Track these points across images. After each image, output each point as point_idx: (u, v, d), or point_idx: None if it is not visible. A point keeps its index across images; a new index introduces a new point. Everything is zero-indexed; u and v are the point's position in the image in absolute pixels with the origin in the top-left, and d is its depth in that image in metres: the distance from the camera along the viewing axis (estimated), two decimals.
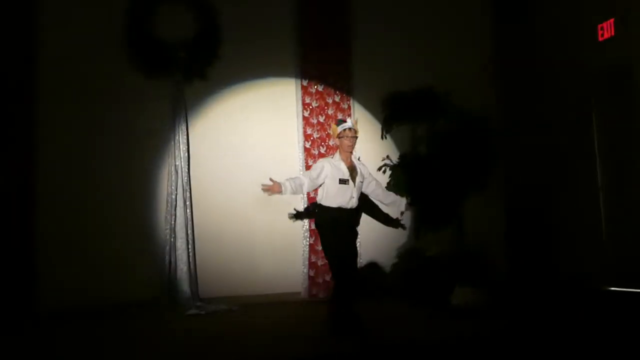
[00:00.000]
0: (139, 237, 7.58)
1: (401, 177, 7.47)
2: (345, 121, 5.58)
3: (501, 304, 6.49)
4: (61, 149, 7.46)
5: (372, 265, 8.05)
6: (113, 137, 7.62)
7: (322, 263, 7.90)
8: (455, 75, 8.06)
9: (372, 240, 8.06)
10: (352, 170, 5.52)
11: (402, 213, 6.04)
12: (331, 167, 5.44)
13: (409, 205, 6.04)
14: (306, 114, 8.20)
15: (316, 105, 8.22)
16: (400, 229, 6.34)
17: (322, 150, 8.14)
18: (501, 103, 8.43)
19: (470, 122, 7.29)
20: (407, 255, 7.35)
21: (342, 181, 5.40)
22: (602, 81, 7.32)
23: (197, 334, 5.81)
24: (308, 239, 7.98)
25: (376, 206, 6.10)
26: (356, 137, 5.55)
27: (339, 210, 5.40)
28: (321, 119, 8.22)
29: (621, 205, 7.19)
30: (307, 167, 7.99)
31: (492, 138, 7.30)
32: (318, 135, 8.18)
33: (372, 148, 8.11)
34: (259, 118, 8.20)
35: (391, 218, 6.32)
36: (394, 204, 5.89)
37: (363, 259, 8.05)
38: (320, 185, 5.49)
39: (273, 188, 5.24)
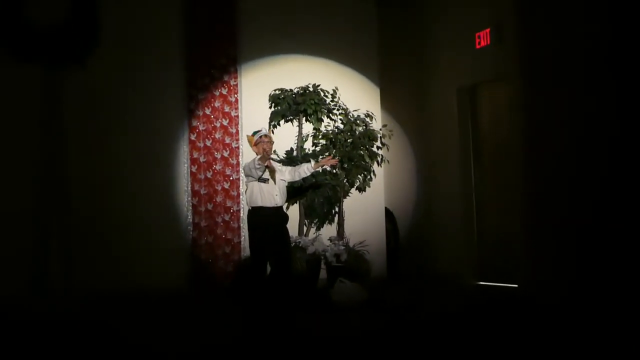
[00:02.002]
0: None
1: None
2: (259, 131, 6.00)
3: (380, 300, 6.72)
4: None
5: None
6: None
7: (205, 257, 7.85)
8: (341, 75, 8.25)
9: None
10: (272, 171, 5.91)
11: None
12: (253, 168, 5.76)
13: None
14: (192, 106, 8.04)
15: (202, 97, 8.08)
16: None
17: (208, 143, 8.03)
18: (384, 104, 8.70)
19: (355, 121, 7.50)
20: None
21: (262, 180, 5.77)
22: (479, 81, 7.74)
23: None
24: (192, 232, 7.90)
25: None
26: (272, 142, 6.01)
27: (264, 209, 5.78)
28: (207, 112, 8.08)
29: (492, 205, 7.69)
30: (192, 160, 7.91)
31: (374, 138, 7.54)
32: (204, 128, 8.05)
33: None
34: (141, 106, 7.93)
35: None
36: (299, 174, 6.21)
37: (247, 253, 8.07)
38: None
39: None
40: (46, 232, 7.23)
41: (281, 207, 5.97)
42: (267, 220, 5.80)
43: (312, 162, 6.42)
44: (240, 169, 6.42)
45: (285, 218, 6.03)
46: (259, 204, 5.79)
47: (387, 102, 8.79)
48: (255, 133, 6.03)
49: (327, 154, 7.41)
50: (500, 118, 7.47)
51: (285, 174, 6.07)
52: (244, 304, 5.78)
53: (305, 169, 6.19)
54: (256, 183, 5.78)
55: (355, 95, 8.23)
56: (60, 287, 7.14)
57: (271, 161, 6.00)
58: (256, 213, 5.84)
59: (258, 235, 5.83)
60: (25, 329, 5.68)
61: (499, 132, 7.48)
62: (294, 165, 6.54)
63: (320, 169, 6.65)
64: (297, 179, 6.27)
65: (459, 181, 7.91)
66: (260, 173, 5.72)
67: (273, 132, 7.75)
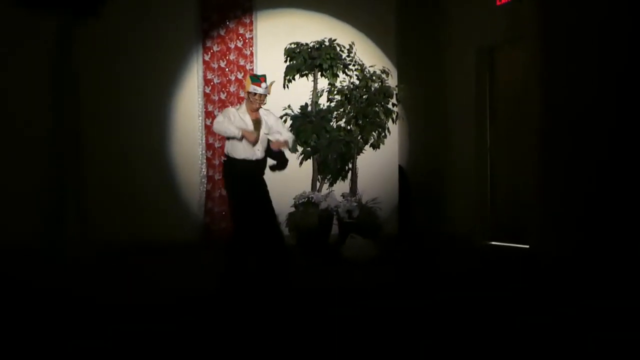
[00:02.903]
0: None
1: (301, 128, 7.53)
2: (260, 83, 5.43)
3: (391, 257, 6.77)
4: None
5: None
6: None
7: (218, 210, 7.92)
8: (358, 31, 8.14)
9: (269, 189, 8.10)
10: (257, 123, 5.52)
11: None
12: (237, 119, 5.42)
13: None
14: (207, 58, 7.98)
15: (217, 49, 8.01)
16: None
17: (223, 96, 8.00)
18: (400, 60, 8.59)
19: (370, 77, 7.42)
20: (302, 206, 7.46)
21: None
22: (498, 42, 7.61)
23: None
24: (205, 185, 7.93)
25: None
26: (264, 102, 5.54)
27: (244, 162, 5.45)
28: (222, 64, 8.03)
29: (506, 166, 7.65)
30: (207, 113, 7.87)
31: (390, 95, 7.47)
32: (219, 81, 8.01)
33: (274, 97, 8.05)
34: (157, 57, 7.88)
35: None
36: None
37: None
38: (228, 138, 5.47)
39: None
40: (62, 183, 7.27)
41: (259, 160, 5.57)
42: (247, 173, 5.47)
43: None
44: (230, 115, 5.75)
45: (263, 170, 5.68)
46: (241, 156, 5.42)
47: (404, 59, 8.67)
48: (254, 80, 5.48)
49: (341, 109, 7.36)
50: (517, 78, 7.35)
51: (272, 130, 5.61)
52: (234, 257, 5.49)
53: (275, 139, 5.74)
54: (231, 126, 5.35)
55: (372, 51, 8.15)
56: (77, 238, 7.21)
57: (258, 113, 5.53)
58: (233, 164, 5.48)
59: (237, 187, 5.48)
60: (41, 278, 5.82)
61: (516, 92, 7.38)
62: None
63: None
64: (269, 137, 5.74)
65: (474, 141, 7.85)
66: (242, 125, 5.35)
67: (288, 87, 7.71)
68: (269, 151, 5.75)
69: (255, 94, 5.40)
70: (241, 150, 5.44)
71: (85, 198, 7.33)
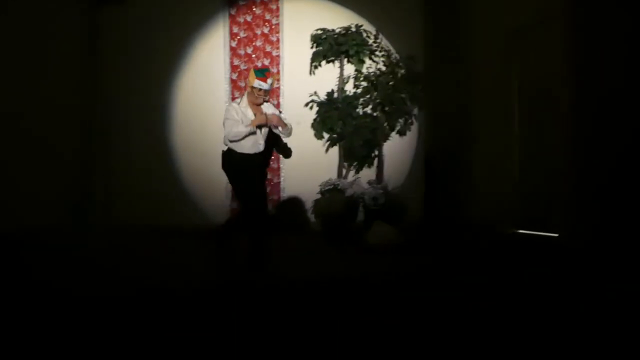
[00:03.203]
0: (47, 161, 7.31)
1: (327, 114, 7.51)
2: (265, 79, 5.29)
3: (416, 244, 6.73)
4: None
5: (294, 201, 8.14)
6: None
7: None
8: (384, 16, 8.06)
9: (295, 175, 8.15)
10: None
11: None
12: (237, 113, 5.32)
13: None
14: (233, 44, 8.00)
15: (244, 35, 8.02)
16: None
17: None
18: (428, 46, 8.48)
19: (396, 63, 7.36)
20: (328, 193, 7.45)
21: (250, 132, 5.31)
22: (525, 29, 7.46)
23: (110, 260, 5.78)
24: None
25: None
26: (266, 99, 5.45)
27: (243, 155, 5.35)
28: (249, 51, 8.04)
29: (536, 152, 7.51)
30: (233, 98, 7.88)
31: (417, 81, 7.40)
32: (245, 67, 8.02)
33: (300, 83, 8.06)
34: (184, 47, 7.93)
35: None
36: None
37: (286, 193, 8.15)
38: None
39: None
40: (88, 166, 7.36)
41: (260, 153, 5.48)
42: (246, 164, 5.35)
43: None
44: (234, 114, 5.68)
45: (265, 164, 5.62)
46: (242, 149, 5.33)
47: (430, 44, 8.57)
48: (260, 74, 5.33)
49: (368, 96, 7.32)
50: (547, 61, 7.19)
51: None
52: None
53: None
54: (241, 127, 5.27)
55: (398, 37, 8.05)
56: (101, 220, 7.33)
57: (261, 107, 5.45)
58: (234, 156, 5.36)
59: (240, 177, 5.39)
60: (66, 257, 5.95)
61: (546, 76, 7.22)
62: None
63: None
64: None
65: (502, 126, 7.73)
66: (245, 121, 5.24)
67: (314, 73, 7.69)
68: (274, 142, 5.73)
69: (260, 89, 5.26)
70: (240, 144, 5.31)
71: (112, 182, 7.40)
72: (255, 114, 5.36)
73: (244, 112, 5.33)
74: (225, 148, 5.41)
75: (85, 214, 7.29)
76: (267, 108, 5.49)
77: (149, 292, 4.61)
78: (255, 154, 5.40)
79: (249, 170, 5.36)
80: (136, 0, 7.63)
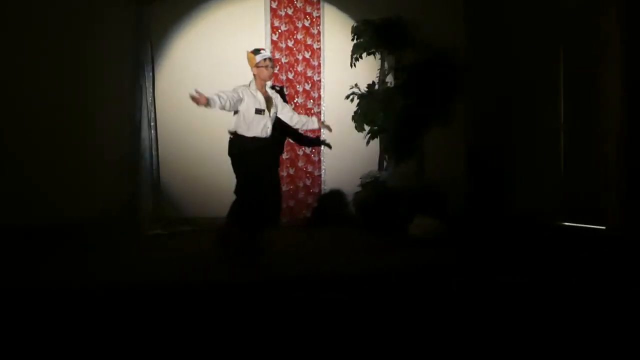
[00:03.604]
0: (104, 156, 7.48)
1: (367, 106, 7.48)
2: (262, 50, 5.48)
3: (458, 236, 6.66)
4: (9, 64, 7.16)
5: (335, 194, 8.15)
6: (75, 58, 7.36)
7: (287, 189, 7.96)
8: (426, 6, 7.98)
9: (335, 168, 8.16)
10: (268, 100, 5.48)
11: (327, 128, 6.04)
12: (247, 96, 5.35)
13: (323, 123, 6.08)
14: (275, 38, 8.03)
15: (285, 29, 8.05)
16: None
17: (290, 76, 8.04)
18: (469, 36, 8.37)
19: (438, 55, 7.28)
20: (369, 185, 7.44)
21: (258, 111, 5.34)
22: (572, 17, 7.30)
23: (158, 253, 5.87)
24: None
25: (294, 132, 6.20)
26: (274, 68, 5.51)
27: (254, 139, 5.34)
28: (290, 44, 8.06)
29: (580, 145, 7.35)
30: None
31: (458, 71, 7.31)
32: (286, 60, 8.05)
33: (341, 75, 8.06)
34: (225, 39, 7.99)
35: (313, 139, 7.09)
36: (305, 125, 5.88)
37: (327, 186, 8.16)
38: (236, 113, 5.37)
39: (200, 100, 4.99)
40: (137, 163, 7.46)
41: (269, 138, 5.43)
42: (253, 150, 5.30)
43: (315, 119, 6.00)
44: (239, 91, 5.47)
45: (277, 151, 5.52)
46: (249, 133, 5.30)
47: (473, 34, 8.45)
48: (257, 51, 5.42)
49: (409, 87, 7.26)
50: (595, 49, 7.02)
51: (285, 112, 5.64)
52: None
53: (310, 124, 5.83)
54: (247, 113, 5.30)
55: (440, 27, 7.97)
56: (150, 213, 7.43)
57: (268, 90, 5.56)
58: (242, 141, 5.31)
59: (244, 166, 5.31)
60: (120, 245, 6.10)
61: (593, 64, 7.04)
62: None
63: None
64: (297, 126, 5.76)
65: (547, 117, 7.58)
66: (254, 103, 5.28)
67: (355, 65, 7.66)
68: (284, 129, 5.82)
69: (265, 59, 5.35)
70: (250, 128, 5.31)
71: (159, 175, 7.50)
72: (264, 97, 5.41)
73: (253, 94, 5.38)
74: (232, 135, 5.39)
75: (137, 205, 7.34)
76: (273, 95, 5.59)
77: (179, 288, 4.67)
78: (262, 139, 5.36)
79: (258, 154, 5.30)
80: None
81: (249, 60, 5.45)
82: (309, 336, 3.38)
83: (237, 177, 5.39)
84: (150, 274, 5.00)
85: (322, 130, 7.17)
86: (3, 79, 7.09)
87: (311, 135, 7.44)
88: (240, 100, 5.30)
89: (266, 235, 5.52)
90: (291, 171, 8.06)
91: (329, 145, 6.39)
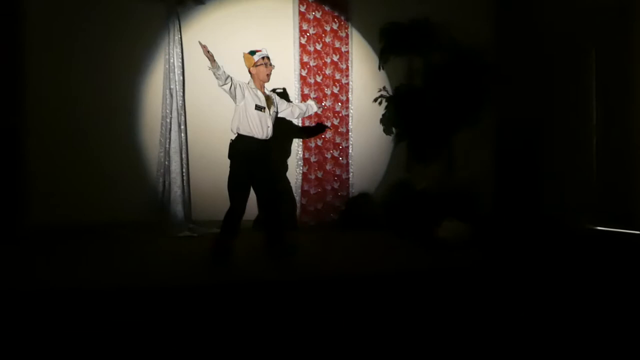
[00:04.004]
0: (133, 159, 7.60)
1: (396, 109, 7.48)
2: (258, 50, 5.56)
3: (487, 239, 6.60)
4: (48, 68, 7.36)
5: (363, 196, 8.13)
6: (107, 59, 7.50)
7: (315, 192, 7.98)
8: (453, 8, 7.93)
9: (363, 171, 8.15)
10: (267, 98, 5.55)
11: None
12: (248, 91, 5.43)
13: (322, 107, 6.42)
14: (303, 41, 8.06)
15: (314, 32, 8.08)
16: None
17: (319, 79, 8.07)
18: (498, 37, 8.30)
19: (466, 56, 7.23)
20: (397, 188, 7.43)
21: (258, 107, 5.40)
22: (603, 16, 7.19)
23: (187, 256, 5.93)
24: (302, 168, 8.02)
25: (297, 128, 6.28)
26: (273, 67, 5.58)
27: (254, 141, 5.38)
28: (318, 47, 8.09)
29: (614, 147, 7.22)
30: (303, 96, 7.94)
31: (487, 73, 7.25)
32: (315, 64, 8.08)
33: (369, 78, 8.06)
34: (254, 42, 8.03)
35: (314, 128, 7.29)
36: (306, 112, 6.05)
37: (355, 189, 8.16)
38: (236, 110, 5.44)
39: (207, 51, 5.21)
40: (167, 165, 7.53)
41: (269, 140, 5.49)
42: (255, 152, 5.34)
43: (314, 102, 6.12)
44: (309, 106, 5.96)
45: (271, 152, 5.51)
46: (249, 132, 5.35)
47: (502, 36, 8.37)
48: (253, 52, 5.53)
49: (437, 89, 7.24)
50: (628, 47, 6.90)
51: (284, 108, 5.76)
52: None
53: (310, 109, 5.92)
54: (248, 109, 5.37)
55: (468, 28, 7.91)
56: (179, 215, 7.49)
57: (267, 91, 5.65)
58: (244, 142, 5.36)
59: (242, 168, 5.35)
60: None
61: (626, 63, 6.93)
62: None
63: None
64: (300, 117, 5.86)
65: (578, 118, 7.47)
66: (254, 100, 5.37)
67: (383, 68, 7.66)
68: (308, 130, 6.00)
69: (263, 57, 5.45)
70: (250, 126, 5.35)
71: (189, 178, 7.56)
72: (264, 96, 5.49)
73: (254, 92, 5.46)
74: (234, 136, 5.45)
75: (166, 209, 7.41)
76: (273, 95, 5.68)
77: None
78: (261, 141, 5.38)
79: (255, 158, 5.32)
80: (214, 3, 7.78)
81: (246, 60, 5.56)
82: (339, 337, 3.38)
83: (231, 181, 5.41)
84: (178, 275, 5.05)
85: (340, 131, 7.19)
86: (41, 83, 7.27)
87: (312, 124, 7.67)
88: (242, 95, 5.39)
89: (289, 237, 5.55)
90: (319, 174, 8.07)
91: (328, 127, 6.89)
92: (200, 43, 5.17)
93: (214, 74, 5.32)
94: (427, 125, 7.26)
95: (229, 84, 5.34)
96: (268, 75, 5.52)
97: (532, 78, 8.18)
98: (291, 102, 6.00)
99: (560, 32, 7.74)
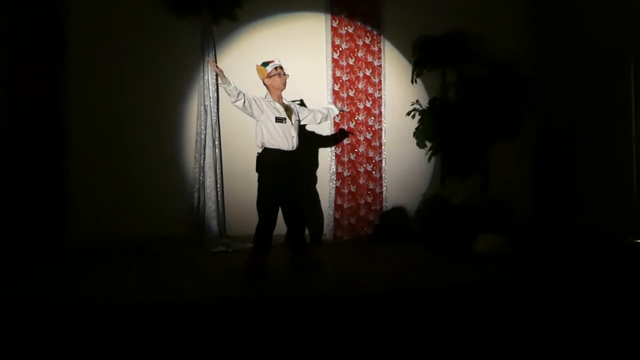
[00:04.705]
0: (169, 175, 7.70)
1: (430, 123, 7.44)
2: (271, 61, 5.56)
3: (525, 253, 6.49)
4: (90, 87, 7.55)
5: (397, 210, 8.09)
6: (142, 76, 7.65)
7: (348, 206, 7.97)
8: (488, 20, 7.87)
9: (397, 185, 8.11)
10: (287, 109, 5.54)
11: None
12: (266, 105, 5.44)
13: (342, 111, 6.60)
14: (335, 56, 8.10)
15: (346, 47, 8.10)
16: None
17: (351, 93, 8.08)
18: (533, 48, 8.20)
19: (501, 68, 7.17)
20: (431, 202, 7.36)
21: (279, 119, 5.40)
22: None
23: (223, 270, 5.96)
24: (335, 182, 8.02)
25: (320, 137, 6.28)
26: (287, 76, 5.58)
27: (281, 154, 5.38)
28: (351, 62, 8.11)
29: None
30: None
31: (523, 85, 7.17)
32: (347, 78, 8.10)
33: (402, 92, 8.04)
34: (287, 57, 8.09)
35: (336, 137, 7.40)
36: (328, 117, 6.07)
37: (388, 203, 8.11)
38: (256, 122, 5.46)
39: (215, 68, 5.36)
40: (202, 180, 7.63)
41: (296, 151, 5.48)
42: (282, 165, 5.34)
43: (335, 106, 6.17)
44: (330, 110, 6.04)
45: (299, 164, 5.53)
46: (274, 145, 5.34)
47: (538, 47, 8.28)
48: (266, 64, 5.53)
49: (472, 102, 7.18)
50: None
51: (305, 115, 5.77)
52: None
53: (332, 112, 5.94)
54: (269, 122, 5.37)
55: (503, 40, 7.86)
56: (214, 230, 7.56)
57: (285, 101, 5.64)
58: (270, 155, 5.35)
59: (270, 182, 5.33)
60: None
61: None
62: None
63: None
64: (323, 121, 5.90)
65: (618, 129, 7.31)
66: (274, 112, 5.38)
67: (416, 82, 7.63)
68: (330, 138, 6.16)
69: (276, 67, 5.45)
70: (275, 138, 5.35)
71: (223, 193, 7.65)
72: (283, 106, 5.49)
73: (273, 105, 5.47)
74: (260, 150, 5.46)
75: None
76: (292, 104, 5.69)
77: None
78: (288, 152, 5.38)
79: (282, 170, 5.32)
80: (245, 18, 7.87)
81: (260, 73, 5.57)
82: (374, 353, 3.36)
83: (259, 194, 5.41)
84: (213, 289, 5.08)
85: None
86: (85, 102, 7.47)
87: (333, 131, 7.75)
88: (260, 109, 5.41)
89: (323, 252, 5.56)
90: (352, 188, 8.06)
91: (350, 133, 6.94)
92: (209, 60, 5.30)
93: (225, 90, 5.36)
94: (462, 138, 7.19)
95: (242, 99, 5.37)
96: (284, 84, 5.54)
97: (569, 89, 8.05)
98: (312, 108, 6.01)
99: (597, 41, 7.61)
